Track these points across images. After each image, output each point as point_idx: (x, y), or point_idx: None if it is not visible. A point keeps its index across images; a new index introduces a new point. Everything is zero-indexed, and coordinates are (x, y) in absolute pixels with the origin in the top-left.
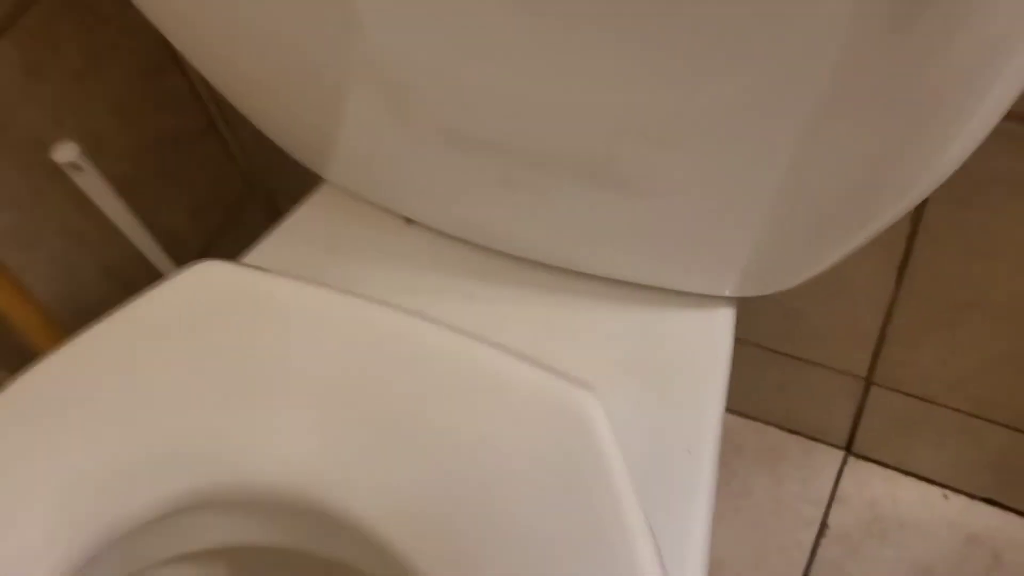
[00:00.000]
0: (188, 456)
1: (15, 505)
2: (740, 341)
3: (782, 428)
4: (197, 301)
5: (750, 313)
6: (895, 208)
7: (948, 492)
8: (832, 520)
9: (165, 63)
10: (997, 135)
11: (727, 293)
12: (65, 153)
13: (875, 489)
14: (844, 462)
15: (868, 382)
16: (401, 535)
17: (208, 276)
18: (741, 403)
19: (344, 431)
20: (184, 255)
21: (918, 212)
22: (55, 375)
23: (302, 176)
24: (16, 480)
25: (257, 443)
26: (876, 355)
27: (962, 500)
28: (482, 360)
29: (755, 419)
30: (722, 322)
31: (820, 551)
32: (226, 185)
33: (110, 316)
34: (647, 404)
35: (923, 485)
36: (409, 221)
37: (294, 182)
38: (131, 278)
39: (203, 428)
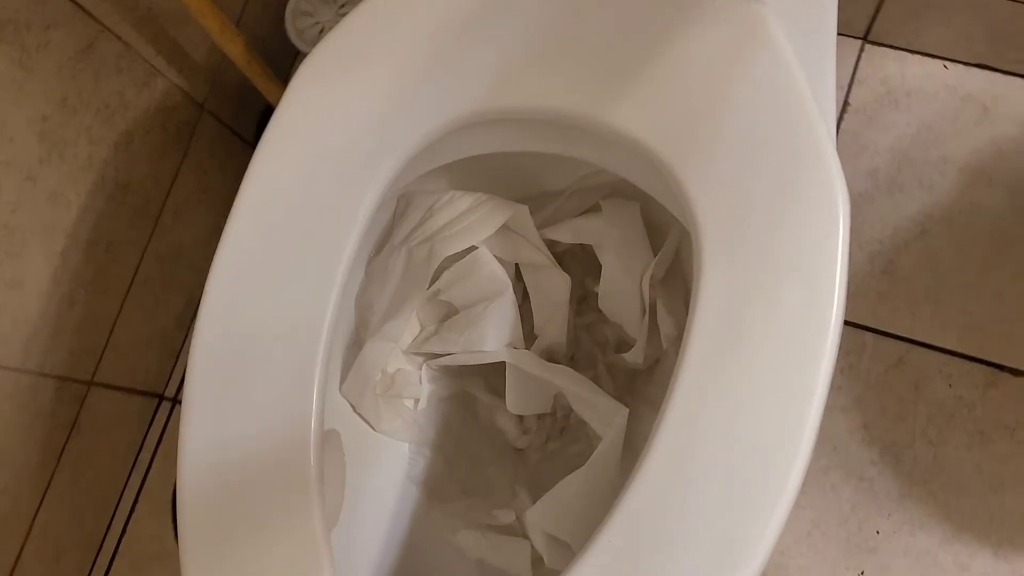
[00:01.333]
0: (480, 86)
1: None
2: None
3: None
4: None
5: None
6: None
7: (948, 63)
8: (852, 98)
9: None
10: None
11: None
12: None
13: (888, 68)
14: (862, 49)
15: None
16: (647, 134)
17: None
18: None
19: (596, 68)
20: None
21: None
22: (355, 34)
23: None
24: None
25: (532, 81)
26: None
27: (959, 68)
28: None
29: None
30: None
31: (843, 125)
32: None
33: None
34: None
35: (928, 60)
36: None
37: None
38: None
39: (490, 67)
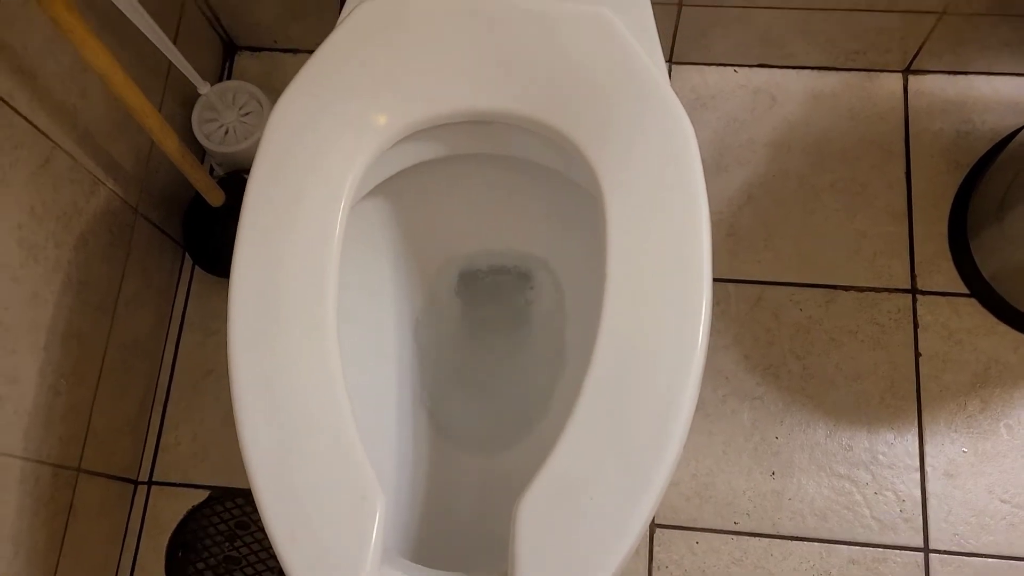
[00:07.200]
0: (418, 103)
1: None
2: None
3: None
4: (375, 22)
5: None
6: None
7: (736, 67)
8: None
9: None
10: None
11: None
12: None
13: (693, 80)
14: (670, 70)
15: (680, 4)
16: (539, 111)
17: (369, 8)
18: None
19: (490, 70)
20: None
21: None
22: (307, 89)
23: None
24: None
25: (453, 90)
26: None
27: (745, 70)
28: (549, 9)
29: None
30: None
31: None
32: None
33: (314, 55)
34: (617, 9)
35: (720, 68)
36: None
37: None
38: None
39: (420, 89)
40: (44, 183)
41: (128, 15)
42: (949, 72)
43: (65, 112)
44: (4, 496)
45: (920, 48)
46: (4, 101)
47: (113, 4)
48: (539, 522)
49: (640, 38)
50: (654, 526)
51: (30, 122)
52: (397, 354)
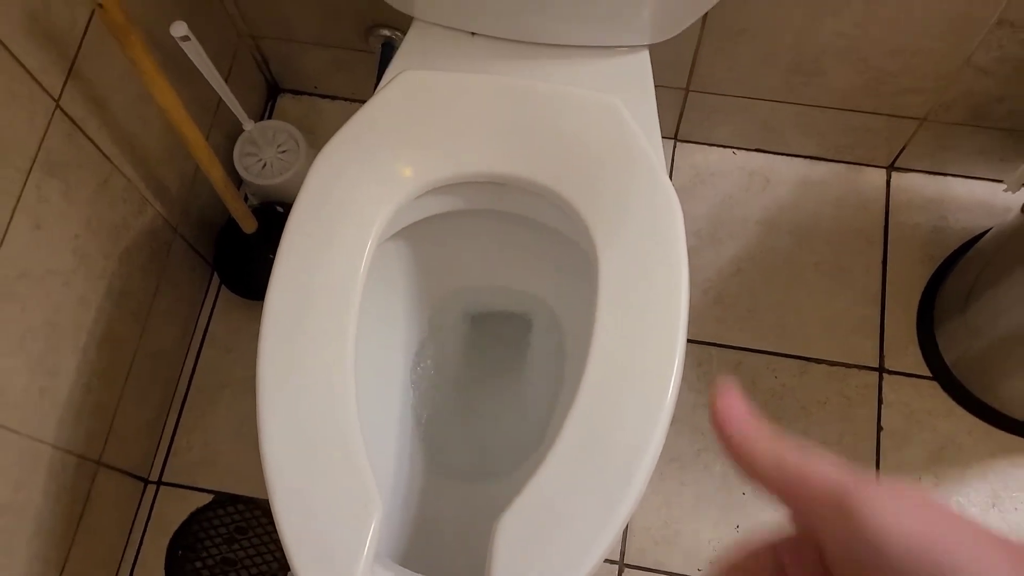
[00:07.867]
0: (444, 163)
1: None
2: None
3: None
4: (415, 90)
5: None
6: None
7: (735, 150)
8: (672, 181)
9: None
10: None
11: (644, 42)
12: (178, 29)
13: (695, 158)
14: (674, 147)
15: (687, 90)
16: (549, 180)
17: (412, 77)
18: None
19: (510, 140)
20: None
21: None
22: (350, 140)
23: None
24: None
25: (476, 155)
26: (691, 72)
27: (744, 152)
28: (567, 94)
29: None
30: (644, 59)
31: None
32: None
33: (359, 112)
34: (626, 99)
35: (721, 149)
36: (473, 34)
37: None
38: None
39: (447, 151)
40: (102, 200)
41: (192, 59)
42: (929, 172)
43: (126, 139)
44: (33, 477)
45: (903, 148)
46: (77, 126)
47: (177, 44)
48: (515, 539)
49: (643, 125)
50: (623, 565)
51: (96, 146)
52: (402, 381)
